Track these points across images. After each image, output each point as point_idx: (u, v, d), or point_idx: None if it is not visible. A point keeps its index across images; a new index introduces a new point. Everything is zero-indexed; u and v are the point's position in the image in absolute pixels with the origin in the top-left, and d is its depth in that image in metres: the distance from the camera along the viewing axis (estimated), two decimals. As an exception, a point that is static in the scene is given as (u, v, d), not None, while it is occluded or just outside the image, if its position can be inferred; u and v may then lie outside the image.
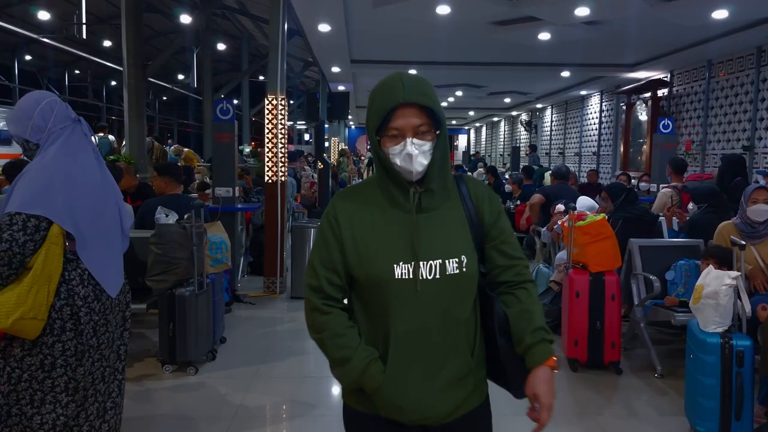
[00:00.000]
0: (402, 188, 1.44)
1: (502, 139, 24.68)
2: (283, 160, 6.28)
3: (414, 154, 1.38)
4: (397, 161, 1.40)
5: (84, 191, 2.14)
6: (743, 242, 3.49)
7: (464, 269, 1.44)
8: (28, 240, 1.97)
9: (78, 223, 2.09)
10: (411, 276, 1.40)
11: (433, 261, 1.41)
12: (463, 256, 1.44)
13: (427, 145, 1.41)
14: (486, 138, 28.22)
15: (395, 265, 1.40)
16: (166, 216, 4.13)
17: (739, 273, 3.20)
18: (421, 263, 1.41)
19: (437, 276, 1.41)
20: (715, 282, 3.12)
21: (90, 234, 2.14)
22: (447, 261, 1.42)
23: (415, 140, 1.39)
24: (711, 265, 3.36)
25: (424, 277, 1.41)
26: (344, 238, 1.45)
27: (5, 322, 1.94)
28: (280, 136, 6.24)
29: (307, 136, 31.10)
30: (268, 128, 6.28)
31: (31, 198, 1.99)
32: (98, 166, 2.25)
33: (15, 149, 15.66)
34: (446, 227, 1.46)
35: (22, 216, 1.97)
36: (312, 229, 6.17)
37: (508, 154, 20.36)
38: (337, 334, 1.44)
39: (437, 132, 1.43)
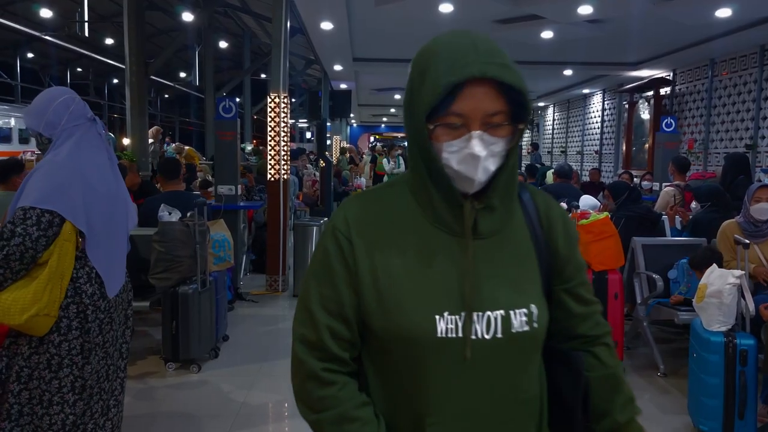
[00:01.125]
0: (452, 201, 0.98)
1: (503, 138, 24.64)
2: (285, 158, 6.28)
3: (481, 155, 0.93)
4: (454, 163, 0.95)
5: (97, 190, 2.14)
6: (747, 241, 3.49)
7: (535, 324, 0.99)
8: (41, 235, 1.96)
9: (91, 221, 2.10)
10: (460, 334, 0.95)
11: (492, 312, 0.96)
12: (532, 306, 0.99)
13: (500, 144, 0.95)
14: (488, 136, 28.13)
15: (437, 317, 0.95)
16: (169, 214, 4.13)
17: (743, 272, 3.20)
18: (474, 315, 0.95)
19: (498, 335, 0.96)
20: (719, 281, 3.12)
21: (101, 233, 2.15)
22: (512, 312, 0.97)
23: (485, 135, 0.93)
24: (714, 264, 3.37)
25: (480, 335, 0.95)
26: (360, 270, 0.98)
27: (19, 318, 1.93)
28: (282, 134, 6.24)
29: (309, 134, 31.10)
30: (270, 126, 6.28)
31: (46, 194, 1.99)
32: (110, 166, 2.26)
33: (14, 147, 15.69)
34: (511, 262, 1.02)
35: (36, 211, 1.96)
36: (314, 227, 6.12)
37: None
38: (345, 417, 0.97)
39: (518, 126, 0.97)
